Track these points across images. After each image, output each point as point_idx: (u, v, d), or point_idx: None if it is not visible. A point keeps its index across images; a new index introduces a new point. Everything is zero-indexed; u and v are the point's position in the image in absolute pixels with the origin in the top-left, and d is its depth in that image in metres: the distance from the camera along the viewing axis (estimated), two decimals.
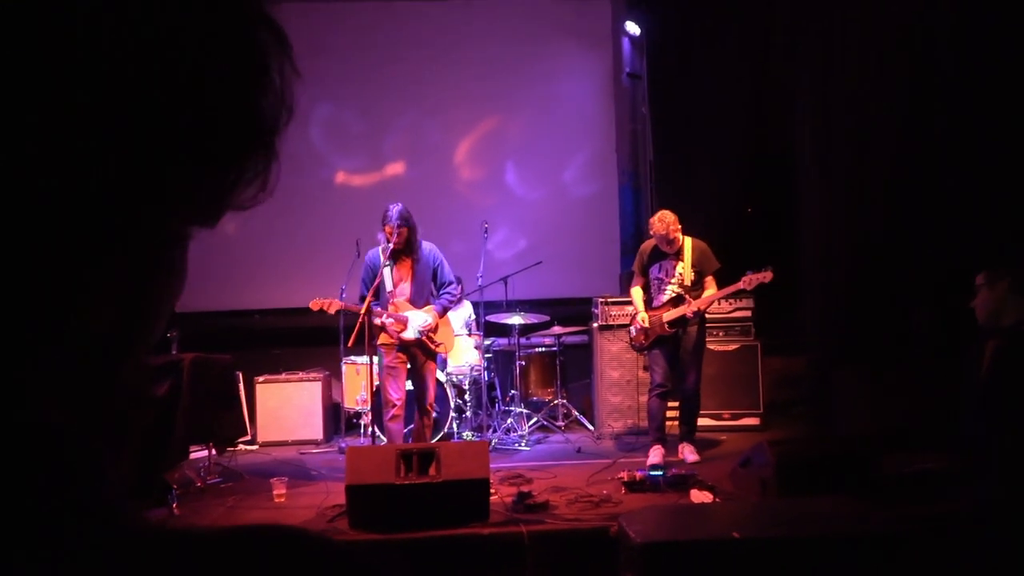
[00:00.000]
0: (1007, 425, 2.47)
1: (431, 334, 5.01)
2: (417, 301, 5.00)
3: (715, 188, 6.91)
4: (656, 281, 5.24)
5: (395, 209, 4.83)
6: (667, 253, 5.18)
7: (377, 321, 4.88)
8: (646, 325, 5.23)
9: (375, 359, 5.59)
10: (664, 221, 5.09)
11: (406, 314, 4.94)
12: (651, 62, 7.70)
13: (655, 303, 5.24)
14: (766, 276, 4.89)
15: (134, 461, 4.36)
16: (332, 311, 4.91)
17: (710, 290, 5.07)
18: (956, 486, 2.69)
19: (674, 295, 5.14)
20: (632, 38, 8.05)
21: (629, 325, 5.52)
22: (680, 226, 5.14)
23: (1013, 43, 4.53)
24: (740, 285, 4.97)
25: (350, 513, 3.86)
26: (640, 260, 5.37)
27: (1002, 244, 4.41)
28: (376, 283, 4.88)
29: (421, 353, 5.03)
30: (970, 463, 2.68)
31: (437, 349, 5.10)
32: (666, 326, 5.12)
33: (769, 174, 6.81)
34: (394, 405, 4.97)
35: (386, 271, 4.90)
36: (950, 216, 4.82)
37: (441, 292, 5.09)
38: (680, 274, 5.13)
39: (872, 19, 5.25)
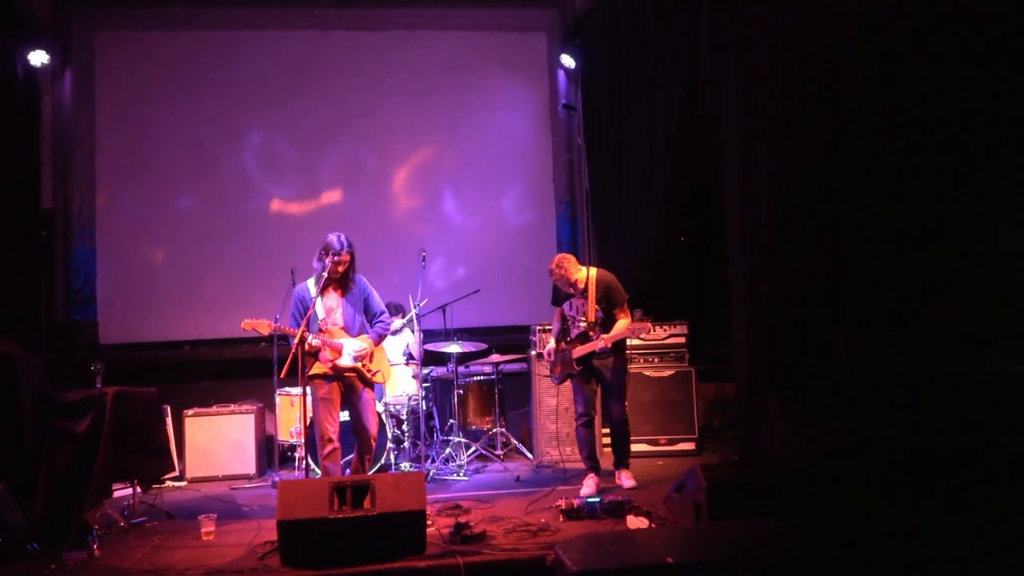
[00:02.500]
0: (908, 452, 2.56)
1: (367, 362, 4.95)
2: (351, 330, 4.95)
3: (649, 217, 7.06)
4: (570, 318, 5.31)
5: (342, 237, 4.84)
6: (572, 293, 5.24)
7: (314, 342, 4.75)
8: (550, 358, 5.36)
9: (308, 390, 5.48)
10: (562, 266, 5.12)
11: (340, 341, 4.87)
12: (586, 94, 7.87)
13: (570, 338, 5.30)
14: (644, 326, 5.04)
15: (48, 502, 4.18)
16: (265, 332, 4.76)
17: (617, 324, 5.11)
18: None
19: (580, 332, 5.20)
20: (567, 71, 8.24)
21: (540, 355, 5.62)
22: (579, 265, 5.19)
23: (926, 76, 4.80)
24: (625, 332, 5.03)
25: (282, 549, 3.76)
26: (554, 296, 5.43)
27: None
28: (308, 314, 4.80)
29: (359, 383, 4.95)
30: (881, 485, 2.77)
31: (374, 378, 5.02)
32: (574, 363, 5.19)
33: (700, 203, 7.02)
34: (330, 440, 4.80)
35: (318, 301, 4.83)
36: (869, 244, 5.04)
37: (375, 322, 5.06)
38: (586, 311, 5.19)
39: (794, 54, 5.49)
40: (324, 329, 4.86)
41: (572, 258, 5.21)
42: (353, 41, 8.11)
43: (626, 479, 5.20)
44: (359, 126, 8.02)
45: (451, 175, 8.18)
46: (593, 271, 5.23)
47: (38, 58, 7.23)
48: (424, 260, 6.25)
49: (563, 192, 8.32)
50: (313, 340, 4.73)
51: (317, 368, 4.85)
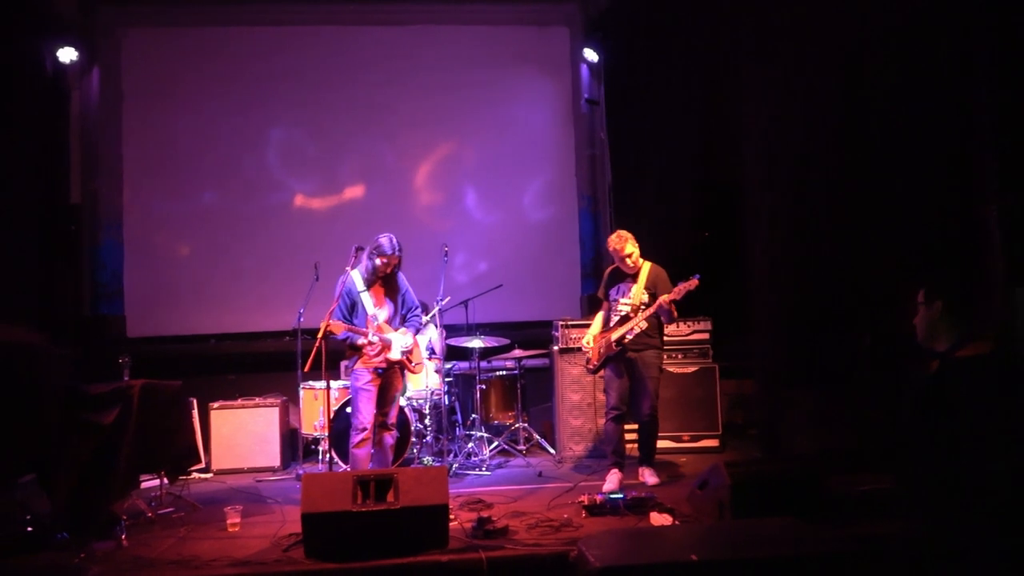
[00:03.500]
0: (933, 451, 2.51)
1: (410, 355, 5.18)
2: (392, 324, 5.15)
3: (672, 212, 7.02)
4: (614, 303, 5.32)
5: (393, 240, 5.02)
6: (626, 274, 5.26)
7: (362, 340, 4.96)
8: (587, 347, 5.36)
9: (335, 384, 5.56)
10: (621, 237, 5.23)
11: (389, 336, 5.05)
12: (608, 88, 7.82)
13: (611, 324, 5.30)
14: (692, 283, 4.94)
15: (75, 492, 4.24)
16: (339, 332, 4.87)
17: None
18: (902, 506, 2.74)
19: (622, 315, 5.20)
20: (590, 65, 8.19)
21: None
22: (638, 247, 5.23)
23: (945, 71, 4.71)
24: (671, 296, 5.02)
25: (306, 542, 3.79)
26: (603, 284, 5.50)
27: (939, 265, 4.54)
28: (334, 306, 4.96)
29: (398, 373, 5.18)
30: (904, 485, 2.73)
31: (415, 369, 5.27)
32: (612, 344, 5.18)
33: (724, 198, 6.95)
34: (364, 429, 4.95)
35: (364, 296, 5.03)
36: (893, 239, 4.96)
37: (410, 315, 5.24)
38: (632, 295, 5.20)
39: (815, 50, 5.42)
40: (377, 325, 5.04)
41: (631, 235, 5.27)
42: (374, 36, 8.13)
43: (649, 476, 5.18)
44: (380, 121, 8.04)
45: (472, 170, 8.17)
46: (649, 263, 5.30)
47: (66, 55, 7.34)
48: (446, 255, 6.25)
49: (585, 187, 8.28)
50: (372, 336, 4.95)
51: (363, 361, 5.03)
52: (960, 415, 2.48)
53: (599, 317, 5.48)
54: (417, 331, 5.29)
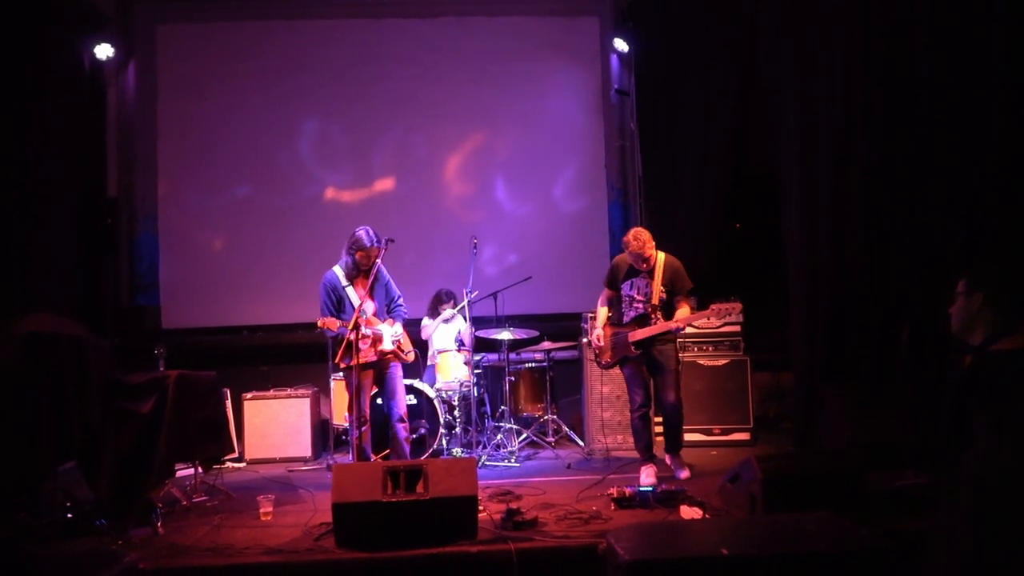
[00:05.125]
0: (972, 445, 2.46)
1: (400, 344, 5.20)
2: (379, 316, 5.19)
3: (703, 203, 6.94)
4: (627, 298, 5.20)
5: (371, 231, 5.04)
6: (640, 270, 5.16)
7: (366, 331, 4.95)
8: (600, 343, 5.25)
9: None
10: (639, 239, 5.04)
11: (379, 328, 5.11)
12: (639, 78, 7.75)
13: (624, 320, 5.22)
14: (734, 307, 4.84)
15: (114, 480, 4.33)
16: (334, 328, 4.91)
17: (681, 311, 5.01)
18: (938, 502, 2.68)
19: (639, 314, 5.12)
20: (620, 55, 8.12)
21: (590, 343, 5.51)
22: (654, 244, 5.13)
23: (989, 64, 4.57)
24: (707, 314, 4.92)
25: (336, 531, 3.83)
26: (612, 275, 5.34)
27: (980, 258, 4.42)
28: (330, 301, 5.08)
29: (395, 362, 5.21)
30: (940, 480, 2.68)
31: (407, 357, 5.31)
32: (632, 347, 5.10)
33: (756, 189, 6.86)
34: (364, 423, 5.03)
35: (350, 290, 5.07)
36: (934, 231, 4.84)
37: (394, 306, 5.30)
38: (649, 293, 5.11)
39: (854, 37, 5.30)
40: (366, 318, 5.05)
41: (649, 234, 5.11)
42: (404, 28, 8.14)
43: (679, 469, 5.13)
44: (411, 113, 8.06)
45: (502, 162, 8.16)
46: (662, 255, 5.15)
47: (103, 51, 7.47)
48: (475, 247, 6.26)
49: (615, 178, 8.22)
50: (365, 329, 4.93)
51: (353, 360, 4.98)
52: (995, 410, 2.43)
53: (603, 311, 5.37)
54: (403, 320, 5.30)
